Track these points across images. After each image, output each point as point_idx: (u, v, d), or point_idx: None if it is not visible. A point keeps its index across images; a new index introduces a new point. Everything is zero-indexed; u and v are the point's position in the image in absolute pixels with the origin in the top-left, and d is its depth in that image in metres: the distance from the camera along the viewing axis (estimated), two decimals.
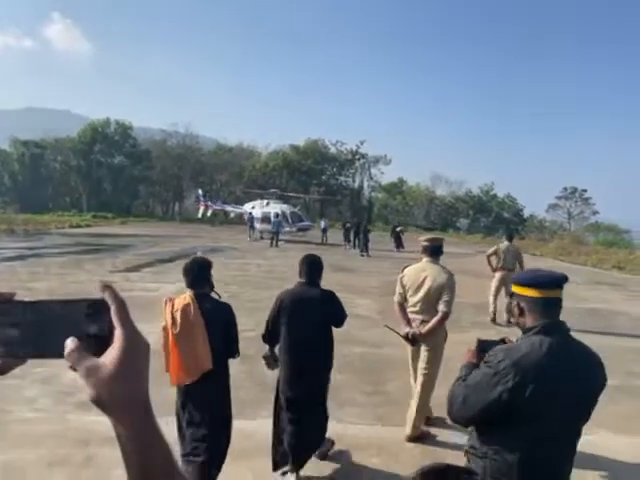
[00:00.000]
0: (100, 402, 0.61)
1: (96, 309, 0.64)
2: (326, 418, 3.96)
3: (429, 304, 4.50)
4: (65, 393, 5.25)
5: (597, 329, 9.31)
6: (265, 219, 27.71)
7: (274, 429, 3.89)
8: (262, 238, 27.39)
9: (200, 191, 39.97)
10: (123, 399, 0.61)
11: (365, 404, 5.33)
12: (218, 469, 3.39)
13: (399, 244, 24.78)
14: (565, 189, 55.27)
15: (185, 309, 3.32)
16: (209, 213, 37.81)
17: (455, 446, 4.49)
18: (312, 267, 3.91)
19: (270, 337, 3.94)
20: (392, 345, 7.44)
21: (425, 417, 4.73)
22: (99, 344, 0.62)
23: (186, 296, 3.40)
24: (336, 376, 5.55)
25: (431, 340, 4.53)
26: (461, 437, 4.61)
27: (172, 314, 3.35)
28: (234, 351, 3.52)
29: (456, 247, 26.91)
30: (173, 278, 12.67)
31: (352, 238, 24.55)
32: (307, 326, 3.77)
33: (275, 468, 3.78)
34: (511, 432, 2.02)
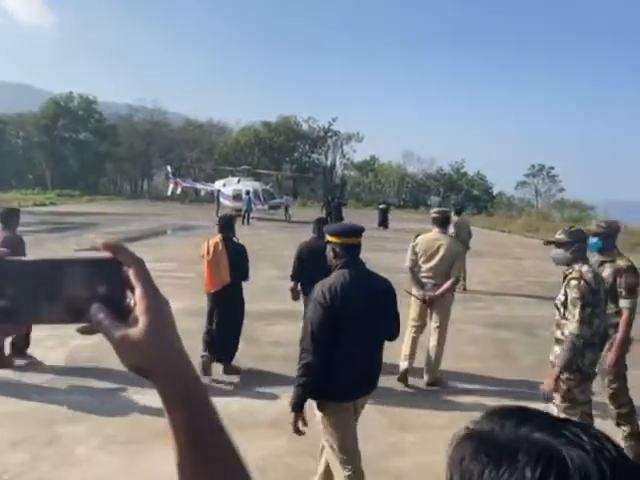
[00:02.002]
0: (139, 370, 0.57)
1: (105, 268, 0.57)
2: None
3: (441, 270, 5.10)
4: (27, 374, 5.14)
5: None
6: (236, 196, 27.38)
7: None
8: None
9: (169, 168, 39.14)
10: (166, 363, 0.57)
11: None
12: (236, 349, 5.39)
13: (384, 223, 23.72)
14: (533, 166, 56.16)
15: (216, 245, 5.25)
16: (179, 191, 37.12)
17: (432, 408, 4.61)
18: (322, 225, 5.60)
19: (295, 276, 5.47)
20: None
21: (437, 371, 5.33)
22: (109, 306, 0.56)
23: (217, 238, 5.33)
24: None
25: (443, 300, 5.17)
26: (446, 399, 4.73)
27: (207, 248, 5.26)
28: (246, 275, 5.41)
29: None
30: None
31: (326, 216, 24.06)
32: (320, 266, 5.12)
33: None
34: (335, 340, 2.72)
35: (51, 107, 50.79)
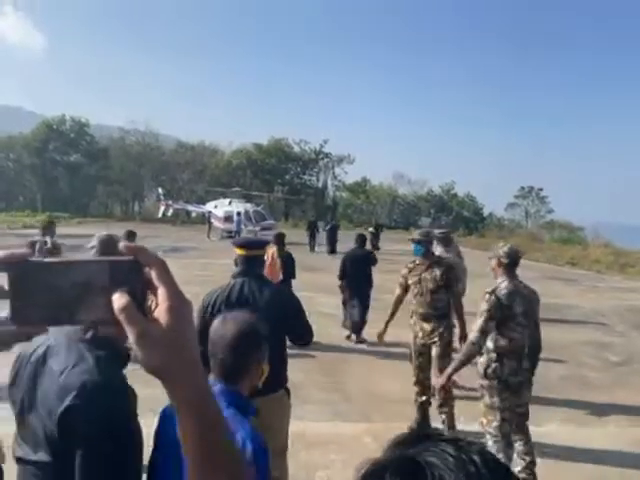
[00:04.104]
0: (157, 369, 0.56)
1: (125, 269, 0.57)
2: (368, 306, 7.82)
3: None
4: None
5: (550, 322, 9.63)
6: (228, 218, 27.38)
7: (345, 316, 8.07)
8: (223, 237, 27.03)
9: (160, 190, 39.11)
10: (182, 365, 0.56)
11: (324, 401, 5.34)
12: None
13: (375, 244, 22.82)
14: (522, 188, 56.84)
15: (272, 253, 7.12)
16: (170, 212, 37.06)
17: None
18: (361, 240, 8.14)
19: (342, 276, 7.81)
20: (352, 343, 7.51)
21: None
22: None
23: (274, 248, 7.20)
24: (297, 374, 5.48)
25: None
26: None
27: (270, 254, 6.95)
28: (293, 274, 7.45)
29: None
30: None
31: (309, 237, 22.82)
32: (361, 267, 7.76)
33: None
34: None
35: (43, 129, 50.92)
